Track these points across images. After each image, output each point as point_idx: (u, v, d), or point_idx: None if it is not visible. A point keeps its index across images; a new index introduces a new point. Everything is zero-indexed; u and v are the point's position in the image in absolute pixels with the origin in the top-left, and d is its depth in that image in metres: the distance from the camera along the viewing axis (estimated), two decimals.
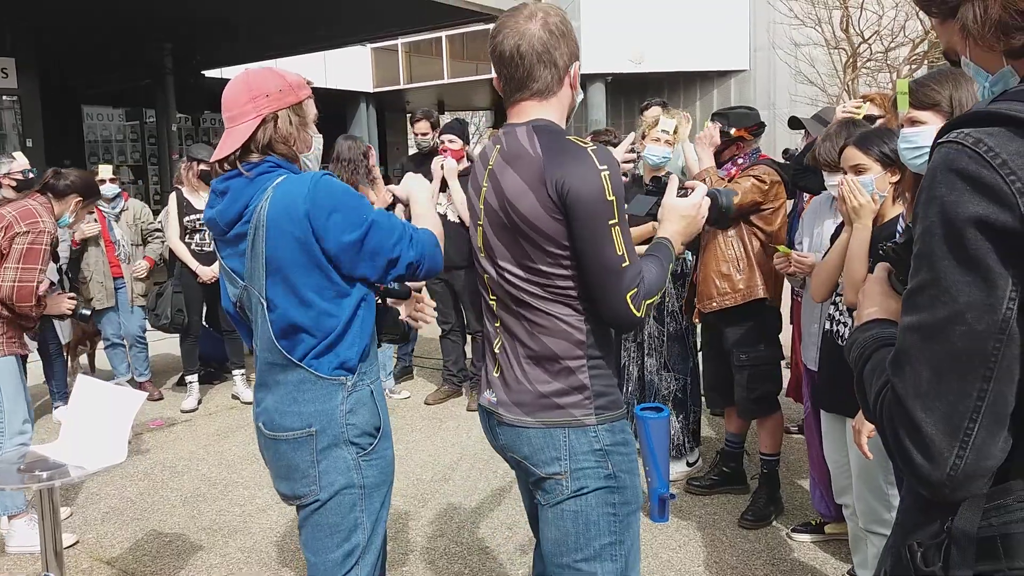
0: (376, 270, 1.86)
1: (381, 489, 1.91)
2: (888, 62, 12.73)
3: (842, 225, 2.67)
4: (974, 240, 0.90)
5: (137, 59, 11.91)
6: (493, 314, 1.79)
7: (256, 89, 1.86)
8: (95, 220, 5.22)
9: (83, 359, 6.21)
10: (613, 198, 1.58)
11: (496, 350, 1.79)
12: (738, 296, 3.50)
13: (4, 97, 10.71)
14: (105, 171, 5.59)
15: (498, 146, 1.74)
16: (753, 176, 3.45)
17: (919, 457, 0.94)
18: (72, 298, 3.62)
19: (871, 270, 1.65)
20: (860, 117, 3.22)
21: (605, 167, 1.59)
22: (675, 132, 3.92)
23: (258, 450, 2.01)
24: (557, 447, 1.68)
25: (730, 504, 3.73)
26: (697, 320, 3.76)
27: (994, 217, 0.89)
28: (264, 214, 1.78)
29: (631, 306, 1.61)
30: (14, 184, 4.89)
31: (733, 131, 3.60)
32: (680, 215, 1.83)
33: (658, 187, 1.87)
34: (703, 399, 4.20)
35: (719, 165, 3.64)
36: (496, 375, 1.79)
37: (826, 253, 2.71)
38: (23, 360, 3.44)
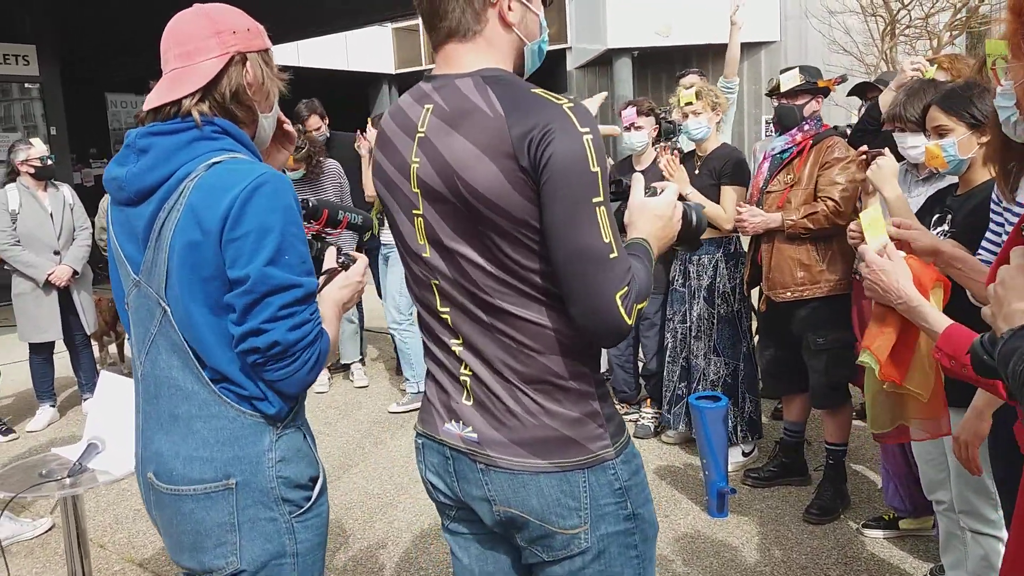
0: (237, 319, 1.37)
1: (317, 552, 1.52)
2: (928, 28, 12.23)
3: (936, 197, 2.43)
4: None
5: (156, 44, 11.76)
6: (449, 329, 1.39)
7: (222, 23, 1.45)
8: None
9: (112, 349, 6.10)
10: (598, 170, 1.22)
11: (463, 372, 1.39)
12: (817, 289, 3.26)
13: (27, 84, 10.65)
14: None
15: (428, 106, 1.34)
16: (842, 163, 3.21)
17: None
18: None
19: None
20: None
21: (587, 129, 1.22)
22: (698, 97, 3.74)
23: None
24: (576, 494, 1.33)
25: (792, 497, 3.50)
26: (764, 308, 3.51)
27: None
28: (186, 195, 1.37)
29: (621, 309, 1.24)
30: (32, 171, 4.75)
31: (819, 82, 3.35)
32: (655, 214, 1.44)
33: (619, 190, 1.55)
34: (760, 385, 3.97)
35: (788, 128, 3.39)
36: (468, 403, 1.39)
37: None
38: None
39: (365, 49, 18.76)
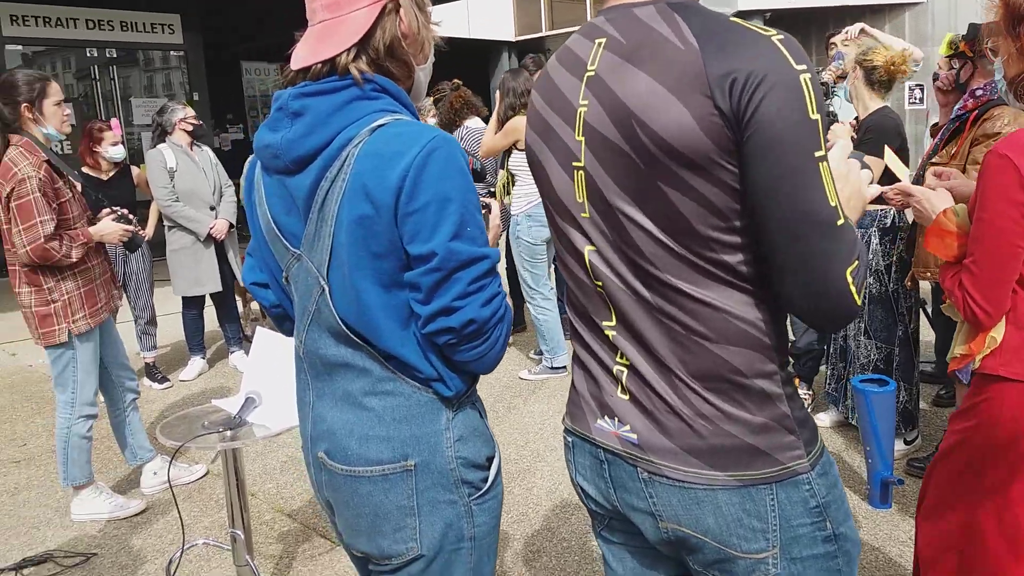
0: (424, 298, 1.27)
1: (493, 535, 1.43)
2: None
3: None
4: None
5: (289, 11, 12.10)
6: (604, 307, 1.20)
7: None
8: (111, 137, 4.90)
9: (255, 305, 6.35)
10: (818, 117, 1.01)
11: (618, 361, 1.19)
12: None
13: (171, 52, 11.18)
14: None
15: (600, 40, 1.15)
16: (992, 140, 2.85)
17: None
18: (123, 218, 3.37)
19: None
20: None
21: (804, 67, 1.01)
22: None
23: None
24: (763, 514, 1.12)
25: None
26: (909, 284, 3.22)
27: None
28: (351, 163, 1.24)
29: (852, 287, 1.04)
30: (190, 128, 4.94)
31: (961, 45, 3.02)
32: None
33: None
34: (932, 367, 3.67)
35: (955, 93, 3.08)
36: (624, 398, 1.19)
37: None
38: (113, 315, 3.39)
39: (486, 16, 18.71)
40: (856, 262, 1.05)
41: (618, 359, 1.19)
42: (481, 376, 1.41)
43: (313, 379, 1.39)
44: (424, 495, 1.32)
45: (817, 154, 1.01)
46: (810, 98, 1.00)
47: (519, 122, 4.54)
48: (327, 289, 1.30)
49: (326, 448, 1.37)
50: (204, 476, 3.68)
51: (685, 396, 1.12)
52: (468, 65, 15.34)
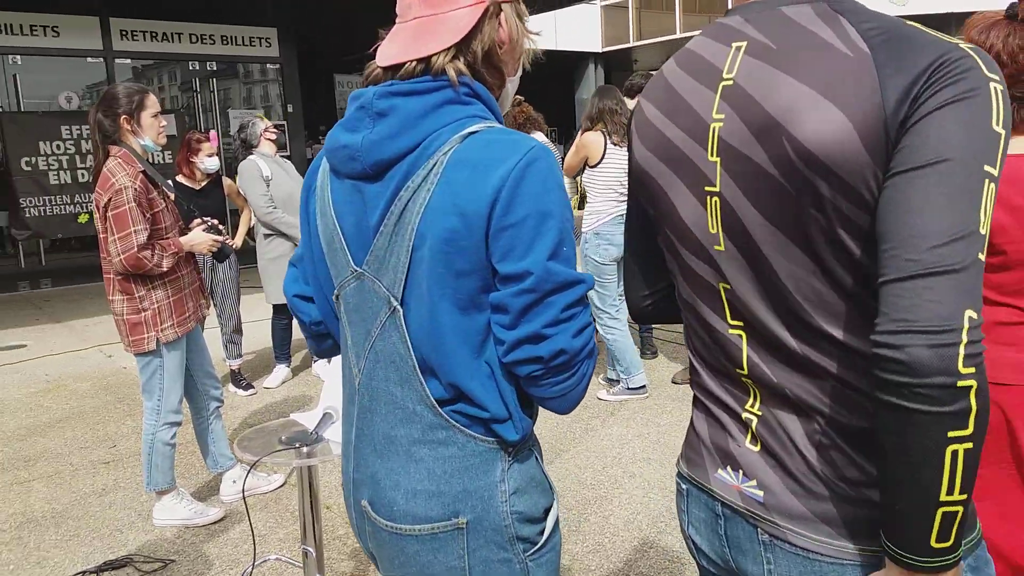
0: (511, 322, 1.14)
1: None
2: None
3: None
4: None
5: (381, 26, 12.31)
6: (736, 350, 1.07)
7: None
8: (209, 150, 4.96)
9: None
10: (1002, 132, 0.87)
11: (750, 409, 1.07)
12: None
13: (268, 65, 11.57)
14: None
15: (739, 43, 1.03)
16: None
17: None
18: (213, 228, 3.42)
19: None
20: None
21: (996, 76, 0.89)
22: None
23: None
24: None
25: None
26: None
27: None
28: (439, 171, 1.12)
29: (963, 344, 0.82)
30: (274, 137, 5.04)
31: None
32: None
33: None
34: None
35: None
36: (754, 449, 1.07)
37: None
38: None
39: (574, 28, 18.70)
40: (976, 314, 0.83)
41: (748, 406, 1.08)
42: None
43: (358, 415, 1.27)
44: (476, 555, 1.20)
45: (988, 168, 0.86)
46: (998, 108, 0.88)
47: (589, 138, 4.51)
48: (400, 310, 1.17)
49: (369, 497, 1.26)
50: (282, 486, 3.70)
51: (828, 456, 0.99)
52: (554, 76, 15.34)
